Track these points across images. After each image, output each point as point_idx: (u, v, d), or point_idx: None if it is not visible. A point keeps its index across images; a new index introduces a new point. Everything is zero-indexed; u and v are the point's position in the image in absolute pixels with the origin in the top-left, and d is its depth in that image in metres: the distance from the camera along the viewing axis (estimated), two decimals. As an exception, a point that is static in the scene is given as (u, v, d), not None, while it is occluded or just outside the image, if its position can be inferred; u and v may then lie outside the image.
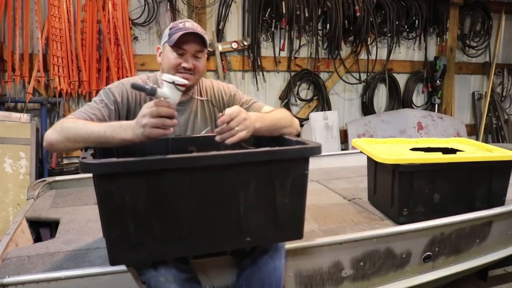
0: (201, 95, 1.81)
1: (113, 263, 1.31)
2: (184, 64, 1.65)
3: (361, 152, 2.34)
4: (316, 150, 1.42)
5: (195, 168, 1.28)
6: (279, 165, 1.37)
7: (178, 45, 1.63)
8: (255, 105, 1.83)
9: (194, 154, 1.28)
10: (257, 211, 1.39)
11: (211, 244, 1.39)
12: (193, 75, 1.68)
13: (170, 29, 1.68)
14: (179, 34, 1.61)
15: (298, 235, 1.50)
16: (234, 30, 4.55)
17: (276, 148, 1.39)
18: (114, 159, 1.20)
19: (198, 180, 1.29)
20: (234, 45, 4.46)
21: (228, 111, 1.41)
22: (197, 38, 1.64)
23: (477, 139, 5.40)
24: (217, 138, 1.40)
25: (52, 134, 1.44)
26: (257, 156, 1.34)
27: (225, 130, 1.39)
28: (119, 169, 1.20)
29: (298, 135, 1.77)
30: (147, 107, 1.29)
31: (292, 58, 4.73)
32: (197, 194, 1.30)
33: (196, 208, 1.31)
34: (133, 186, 1.22)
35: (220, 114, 1.40)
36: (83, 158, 1.24)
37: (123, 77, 3.88)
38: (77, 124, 1.42)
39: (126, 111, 1.68)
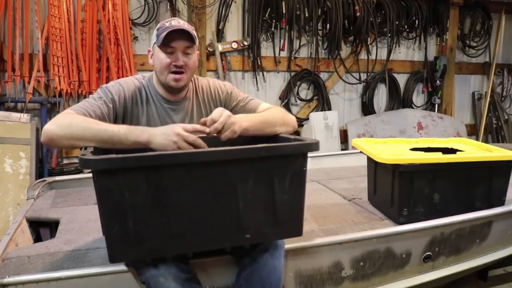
0: (197, 94, 1.81)
1: (112, 260, 1.31)
2: (175, 63, 1.63)
3: (361, 152, 2.34)
4: (313, 146, 1.42)
5: (194, 164, 1.28)
6: (277, 161, 1.37)
7: (166, 44, 1.61)
8: (251, 103, 1.82)
9: (193, 150, 1.28)
10: (256, 208, 1.39)
11: (211, 241, 1.39)
12: (185, 73, 1.67)
13: (158, 29, 1.65)
14: (166, 33, 1.60)
15: (298, 232, 1.50)
16: (234, 30, 4.55)
17: (275, 144, 1.39)
18: (113, 155, 1.21)
19: (197, 176, 1.29)
20: (234, 45, 4.46)
21: (211, 115, 1.49)
22: (184, 34, 1.62)
23: (477, 139, 5.39)
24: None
25: (54, 129, 1.41)
26: (256, 152, 1.35)
27: (212, 133, 1.47)
28: (118, 165, 1.20)
29: (298, 133, 1.77)
30: (186, 130, 1.39)
31: (292, 58, 4.73)
32: (196, 190, 1.31)
33: (195, 205, 1.32)
34: (132, 182, 1.23)
35: (203, 119, 1.50)
36: (83, 154, 1.25)
37: (123, 77, 3.88)
38: (88, 122, 1.43)
39: (123, 111, 1.67)
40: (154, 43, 1.66)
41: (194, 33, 1.67)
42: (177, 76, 1.65)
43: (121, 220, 1.25)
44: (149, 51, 1.73)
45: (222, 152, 1.30)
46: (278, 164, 1.38)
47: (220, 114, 1.48)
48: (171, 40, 1.61)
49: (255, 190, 1.37)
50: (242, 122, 1.53)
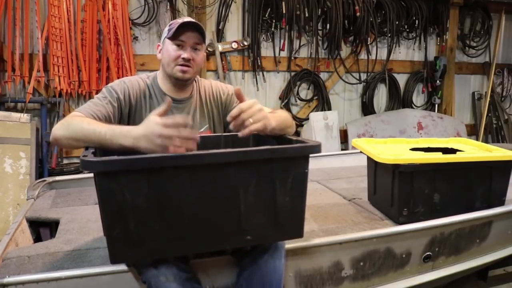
0: (199, 94, 1.83)
1: (113, 261, 1.31)
2: (184, 55, 1.67)
3: (361, 152, 2.34)
4: (316, 149, 1.42)
5: (196, 166, 1.28)
6: (279, 164, 1.37)
7: (176, 37, 1.66)
8: None
9: (195, 152, 1.28)
10: (258, 210, 1.39)
11: (212, 242, 1.39)
12: (192, 68, 1.70)
13: (170, 25, 1.72)
14: (177, 25, 1.65)
15: (299, 234, 1.50)
16: (234, 30, 4.55)
17: (277, 146, 1.39)
18: (115, 157, 1.20)
19: (198, 178, 1.29)
20: (234, 45, 4.46)
21: (241, 105, 1.42)
22: (195, 29, 1.67)
23: (477, 139, 5.39)
24: (231, 127, 1.43)
25: (58, 130, 1.45)
26: (258, 154, 1.34)
27: (239, 122, 1.40)
28: (120, 167, 1.20)
29: (298, 133, 1.77)
30: (163, 125, 1.23)
31: (292, 58, 4.74)
32: (197, 192, 1.30)
33: (196, 206, 1.31)
34: (134, 184, 1.22)
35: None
36: (84, 156, 1.24)
37: (123, 77, 3.88)
38: (83, 122, 1.43)
39: (128, 109, 1.70)
40: (165, 37, 1.71)
41: (204, 31, 1.71)
42: (184, 68, 1.68)
43: (122, 221, 1.24)
44: (158, 45, 1.78)
45: (224, 154, 1.29)
46: (280, 166, 1.37)
47: (249, 105, 1.41)
48: (182, 33, 1.66)
49: (256, 192, 1.36)
50: (272, 121, 1.49)
